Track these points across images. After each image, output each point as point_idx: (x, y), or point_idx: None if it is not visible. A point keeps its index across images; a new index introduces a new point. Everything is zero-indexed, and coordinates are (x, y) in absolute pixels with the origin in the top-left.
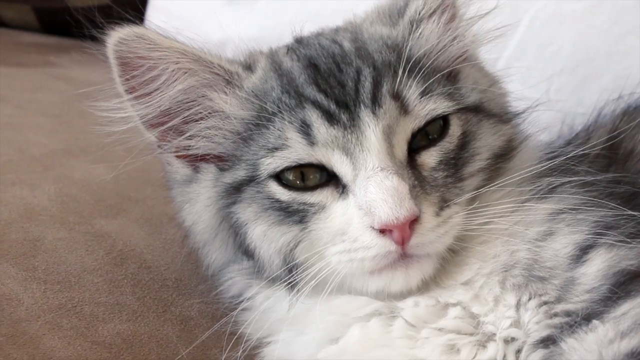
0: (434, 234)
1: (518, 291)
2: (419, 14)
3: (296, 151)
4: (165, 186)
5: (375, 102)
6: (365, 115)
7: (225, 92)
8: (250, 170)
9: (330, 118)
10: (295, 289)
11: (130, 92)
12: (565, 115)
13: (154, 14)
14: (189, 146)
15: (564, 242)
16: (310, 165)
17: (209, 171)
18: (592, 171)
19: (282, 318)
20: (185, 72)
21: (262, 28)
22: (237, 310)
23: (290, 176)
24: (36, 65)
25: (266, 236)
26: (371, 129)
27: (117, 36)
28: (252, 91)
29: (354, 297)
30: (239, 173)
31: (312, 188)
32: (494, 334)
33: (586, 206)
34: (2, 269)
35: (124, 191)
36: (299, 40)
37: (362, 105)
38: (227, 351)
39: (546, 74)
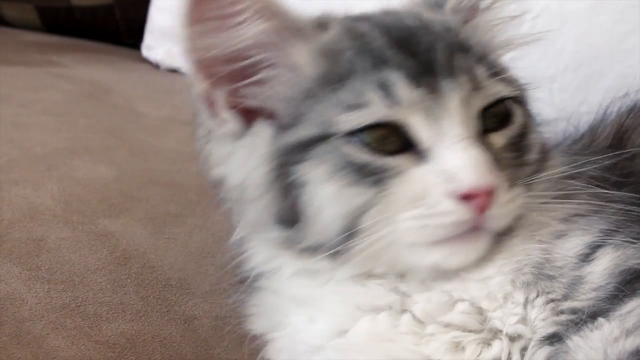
0: (504, 209)
1: (527, 289)
2: (462, 4)
3: (378, 109)
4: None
5: (452, 73)
6: (446, 83)
7: (298, 46)
8: (322, 128)
9: (412, 80)
10: (341, 260)
11: (198, 23)
12: (571, 115)
13: (156, 13)
14: (248, 95)
15: (575, 243)
16: (389, 127)
17: (264, 127)
18: (610, 179)
19: (297, 298)
20: (263, 16)
21: None
22: (253, 281)
23: (368, 138)
24: (39, 64)
25: (337, 197)
26: (452, 97)
27: None
28: (326, 48)
29: (373, 287)
30: (307, 132)
31: (390, 153)
32: (500, 331)
33: (598, 209)
34: (6, 268)
35: (128, 190)
36: (359, 16)
37: (441, 73)
38: (231, 350)
39: (550, 73)
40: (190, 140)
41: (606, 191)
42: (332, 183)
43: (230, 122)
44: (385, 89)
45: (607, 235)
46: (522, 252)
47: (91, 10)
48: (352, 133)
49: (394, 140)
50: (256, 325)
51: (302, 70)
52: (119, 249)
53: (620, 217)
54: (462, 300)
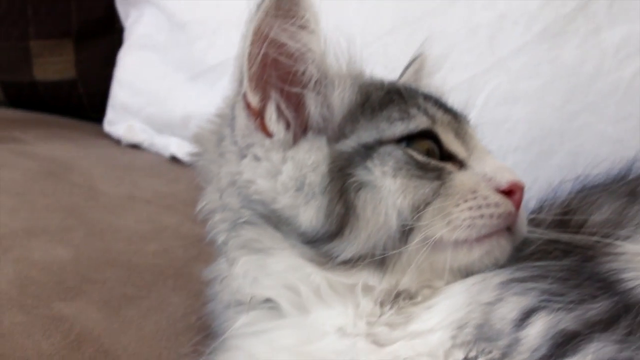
0: (524, 219)
1: (466, 348)
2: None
3: (422, 121)
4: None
5: (458, 112)
6: (460, 116)
7: (346, 80)
8: (377, 135)
9: (440, 108)
10: (384, 268)
11: (262, 31)
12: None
13: (118, 89)
14: (298, 110)
15: (511, 308)
16: (431, 138)
17: (317, 137)
18: (555, 250)
19: (257, 356)
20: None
21: None
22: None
23: (417, 147)
24: (1, 141)
25: (404, 188)
26: (468, 125)
27: None
28: (363, 86)
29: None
30: (365, 138)
31: (438, 160)
32: None
33: (535, 278)
34: None
35: (84, 272)
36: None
37: (453, 110)
38: None
39: (502, 151)
40: (148, 219)
41: (547, 262)
42: (399, 176)
43: (279, 134)
44: (423, 110)
45: (543, 301)
46: (463, 309)
47: (55, 85)
48: (403, 140)
49: (436, 155)
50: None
51: (345, 97)
52: (73, 333)
53: (558, 284)
54: (405, 359)
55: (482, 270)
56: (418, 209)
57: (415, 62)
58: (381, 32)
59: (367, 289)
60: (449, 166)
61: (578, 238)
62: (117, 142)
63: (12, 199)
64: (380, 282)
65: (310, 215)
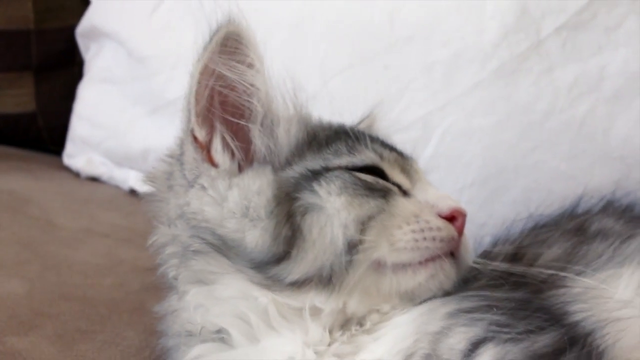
0: (468, 245)
1: None
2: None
3: (369, 157)
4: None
5: (403, 151)
6: (405, 154)
7: (294, 118)
8: (324, 163)
9: (387, 147)
10: (331, 289)
11: (210, 67)
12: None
13: (78, 122)
14: (244, 141)
15: (459, 339)
16: (377, 174)
17: (262, 166)
18: (506, 282)
19: None
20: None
21: None
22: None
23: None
24: None
25: (349, 205)
26: (413, 162)
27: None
28: (309, 125)
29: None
30: (312, 166)
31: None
32: None
33: (483, 309)
34: None
35: (38, 306)
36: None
37: (397, 149)
38: None
39: (457, 187)
40: (105, 253)
41: (496, 293)
42: (344, 194)
43: (225, 164)
44: (371, 148)
45: (490, 332)
46: (411, 337)
47: (14, 118)
48: (354, 169)
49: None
50: None
51: (292, 134)
52: None
53: (506, 315)
54: None
55: (429, 297)
56: (363, 223)
57: (367, 120)
58: (339, 68)
59: (315, 312)
60: (395, 189)
61: (531, 271)
62: (76, 174)
63: None
64: (326, 303)
65: (255, 237)
